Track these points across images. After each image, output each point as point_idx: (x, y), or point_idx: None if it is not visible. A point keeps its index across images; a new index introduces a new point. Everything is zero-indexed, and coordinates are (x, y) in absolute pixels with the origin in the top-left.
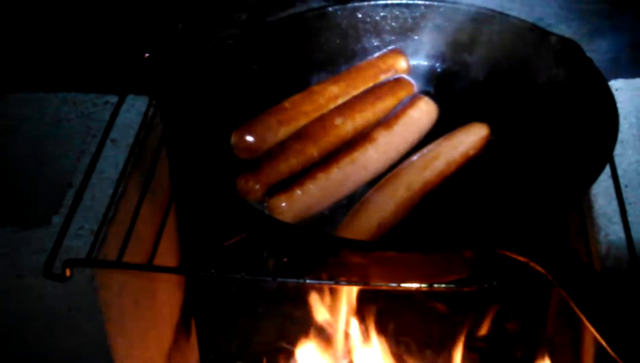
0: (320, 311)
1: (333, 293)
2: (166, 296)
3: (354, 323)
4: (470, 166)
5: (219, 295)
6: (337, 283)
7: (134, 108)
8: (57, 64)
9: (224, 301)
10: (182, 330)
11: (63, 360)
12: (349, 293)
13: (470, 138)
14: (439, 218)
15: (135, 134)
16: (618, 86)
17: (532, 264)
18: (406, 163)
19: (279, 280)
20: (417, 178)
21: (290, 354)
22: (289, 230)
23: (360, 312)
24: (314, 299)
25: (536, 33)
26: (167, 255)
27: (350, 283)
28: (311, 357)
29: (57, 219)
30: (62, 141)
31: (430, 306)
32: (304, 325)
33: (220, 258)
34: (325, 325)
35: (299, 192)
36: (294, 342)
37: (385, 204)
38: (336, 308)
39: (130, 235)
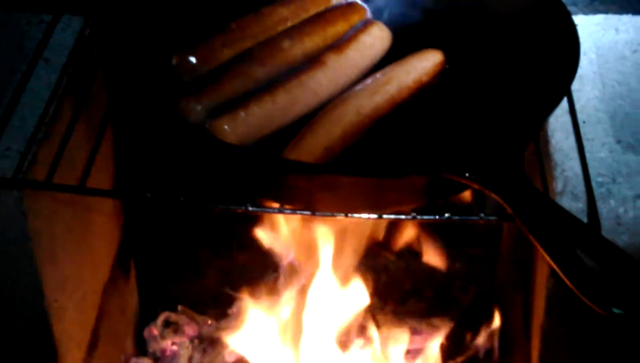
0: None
1: (280, 226)
2: (102, 229)
3: (300, 263)
4: (424, 94)
5: (161, 236)
6: (282, 211)
7: (70, 28)
8: None
9: (165, 243)
10: (120, 269)
11: None
12: (298, 228)
13: (423, 64)
14: (390, 145)
15: (70, 54)
16: (578, 22)
17: (486, 191)
18: (357, 87)
19: (220, 206)
20: (367, 102)
21: (233, 300)
22: (229, 150)
23: (309, 253)
24: (259, 234)
25: None
26: (103, 183)
27: (295, 211)
28: (255, 302)
29: None
30: None
31: (376, 252)
32: (249, 270)
33: (158, 184)
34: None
35: (242, 114)
36: (237, 287)
37: (333, 128)
38: (283, 243)
39: (61, 156)
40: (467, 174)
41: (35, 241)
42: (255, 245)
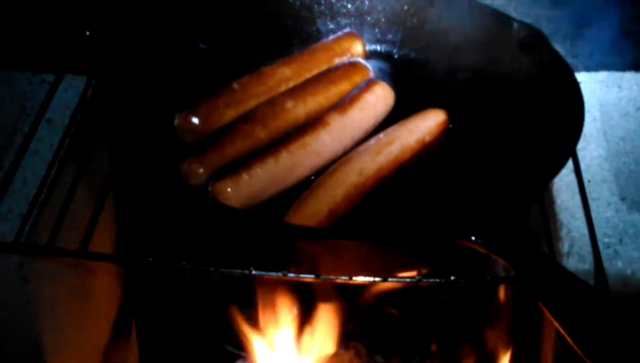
0: (267, 311)
1: (282, 290)
2: (103, 290)
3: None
4: (428, 155)
5: (162, 292)
6: (285, 275)
7: (72, 88)
8: None
9: (166, 300)
10: (120, 328)
11: None
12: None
13: (426, 123)
14: (394, 206)
15: (72, 115)
16: (581, 79)
17: (493, 255)
18: (360, 148)
19: (223, 270)
20: (370, 163)
21: (235, 357)
22: (232, 214)
23: (309, 314)
24: (261, 297)
25: (499, 19)
26: (104, 245)
27: (299, 275)
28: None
29: None
30: None
31: (381, 310)
32: (250, 327)
33: (161, 247)
34: (271, 326)
35: (245, 176)
36: (239, 344)
37: (336, 190)
38: (284, 307)
39: (63, 220)
40: (473, 238)
41: (36, 306)
42: (257, 302)
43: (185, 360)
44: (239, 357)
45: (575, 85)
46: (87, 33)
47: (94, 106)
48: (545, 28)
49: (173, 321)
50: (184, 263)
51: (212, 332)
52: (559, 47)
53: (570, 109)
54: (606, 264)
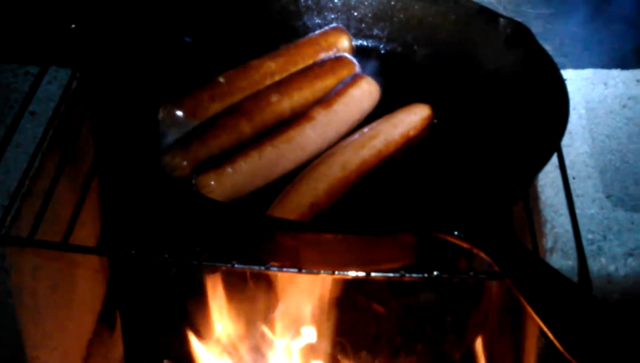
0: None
1: (266, 282)
2: (87, 283)
3: (288, 320)
4: (412, 149)
5: (146, 286)
6: (268, 268)
7: (56, 80)
8: None
9: (151, 293)
10: (105, 322)
11: None
12: (282, 286)
13: (410, 118)
14: (377, 200)
15: (56, 107)
16: (567, 76)
17: (475, 250)
18: (344, 142)
19: (205, 263)
20: (353, 156)
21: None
22: (215, 207)
23: (295, 309)
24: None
25: (485, 15)
26: (87, 238)
27: (281, 269)
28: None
29: None
30: None
31: (366, 306)
32: (236, 320)
33: (144, 240)
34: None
35: (229, 170)
36: (224, 338)
37: (319, 183)
38: (270, 300)
39: (45, 212)
40: (455, 233)
41: (17, 298)
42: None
43: (169, 352)
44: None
45: (561, 81)
46: (72, 26)
47: (78, 99)
48: (534, 26)
49: (158, 313)
50: (167, 256)
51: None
52: (547, 46)
53: (556, 105)
54: (590, 260)
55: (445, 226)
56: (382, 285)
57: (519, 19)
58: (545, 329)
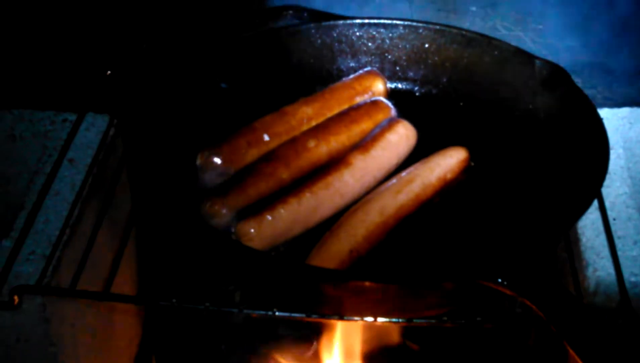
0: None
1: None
2: (124, 328)
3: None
4: (450, 193)
5: (182, 329)
6: (308, 316)
7: (94, 127)
8: (13, 79)
9: (186, 336)
10: None
11: None
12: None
13: (447, 161)
14: (417, 245)
15: (94, 155)
16: (604, 116)
17: (520, 298)
18: (381, 187)
19: (246, 311)
20: (391, 201)
21: None
22: (255, 257)
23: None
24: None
25: (520, 57)
26: (125, 283)
27: (322, 316)
28: None
29: (7, 243)
30: (16, 161)
31: (402, 344)
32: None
33: (182, 287)
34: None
35: (269, 217)
36: None
37: (357, 230)
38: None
39: (86, 261)
40: (499, 281)
41: (58, 347)
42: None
43: None
44: None
45: (599, 123)
46: (109, 72)
47: (115, 145)
48: (562, 59)
49: (193, 358)
50: (207, 304)
51: None
52: (575, 78)
53: (595, 148)
54: (634, 303)
55: (489, 275)
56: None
57: (546, 51)
58: None
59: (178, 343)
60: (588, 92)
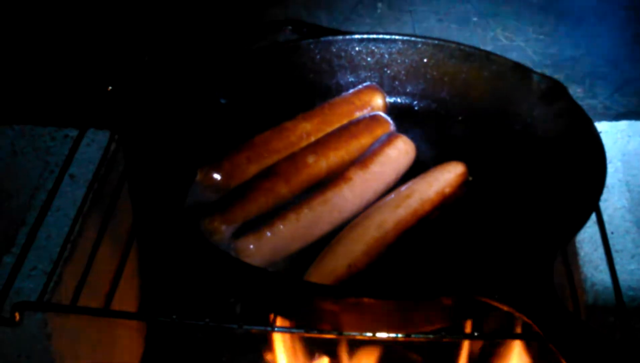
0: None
1: (304, 341)
2: (126, 342)
3: None
4: (448, 208)
5: (184, 342)
6: (308, 331)
7: (95, 143)
8: (14, 95)
9: (188, 349)
10: None
11: None
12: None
13: (445, 176)
14: (415, 260)
15: (95, 170)
16: (602, 129)
17: (517, 314)
18: (380, 202)
19: (246, 327)
20: (389, 216)
21: None
22: (254, 273)
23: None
24: (282, 348)
25: (518, 72)
26: (126, 300)
27: (321, 332)
28: None
29: (8, 259)
30: (17, 176)
31: (405, 356)
32: None
33: (183, 303)
34: None
35: (268, 234)
36: None
37: (355, 245)
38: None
39: (87, 277)
40: (497, 297)
41: (59, 361)
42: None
43: None
44: None
45: (596, 137)
46: (109, 88)
47: (116, 161)
48: (564, 68)
49: None
50: (207, 320)
51: None
52: (576, 88)
53: (592, 162)
54: (632, 317)
55: (487, 291)
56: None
57: (548, 62)
58: None
59: (180, 356)
60: (589, 102)
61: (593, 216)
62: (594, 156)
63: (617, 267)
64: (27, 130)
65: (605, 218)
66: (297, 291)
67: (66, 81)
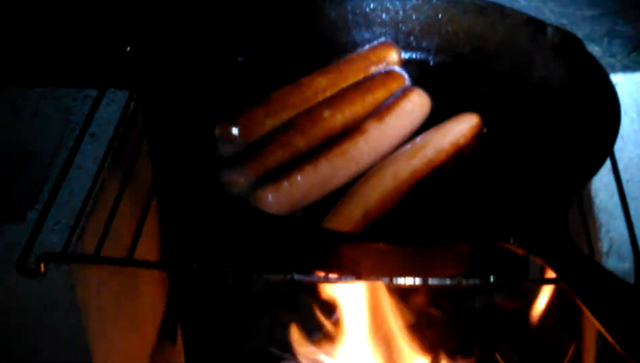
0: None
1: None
2: (148, 297)
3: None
4: (464, 159)
5: (206, 298)
6: (326, 279)
7: (115, 102)
8: (36, 58)
9: (211, 305)
10: (166, 333)
11: (40, 361)
12: (341, 293)
13: (459, 127)
14: (431, 209)
15: (115, 129)
16: (617, 80)
17: (532, 256)
18: (394, 153)
19: (265, 275)
20: (404, 166)
21: (279, 360)
22: (273, 221)
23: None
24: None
25: (532, 25)
26: (148, 252)
27: (339, 278)
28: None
29: (32, 215)
30: (40, 136)
31: (423, 310)
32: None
33: (203, 254)
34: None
35: (286, 184)
36: (283, 347)
37: (371, 194)
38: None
39: (109, 230)
40: (512, 240)
41: (84, 312)
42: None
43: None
44: (284, 359)
45: (611, 88)
46: (128, 49)
47: (136, 120)
48: (581, 28)
49: (218, 325)
50: (227, 268)
51: (256, 335)
52: (594, 47)
53: (607, 111)
54: None
55: (501, 234)
56: (439, 290)
57: (565, 21)
58: (604, 331)
59: (203, 312)
60: (608, 60)
61: (608, 165)
62: (609, 105)
63: (632, 213)
64: (48, 92)
65: (620, 167)
66: (315, 237)
67: (85, 43)
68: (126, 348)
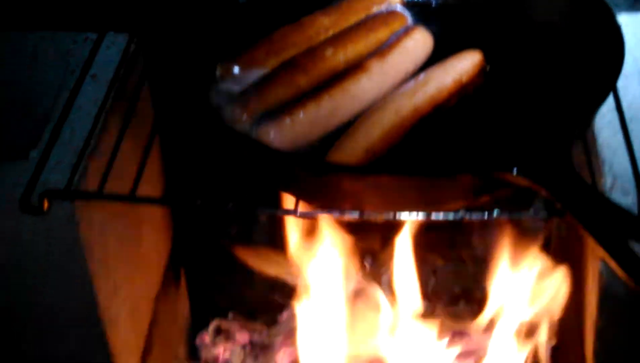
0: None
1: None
2: (152, 239)
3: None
4: (467, 96)
5: (210, 244)
6: (330, 213)
7: (114, 45)
8: (34, 2)
9: (215, 250)
10: (170, 277)
11: (44, 303)
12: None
13: (462, 63)
14: (434, 145)
15: (115, 70)
16: (623, 21)
17: (535, 187)
18: (397, 90)
19: (268, 211)
20: (406, 102)
21: (283, 306)
22: (275, 156)
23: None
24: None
25: None
26: (152, 193)
27: (342, 213)
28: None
29: (34, 154)
30: (40, 78)
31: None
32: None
33: (206, 192)
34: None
35: (288, 121)
36: (287, 294)
37: (373, 130)
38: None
39: (111, 168)
40: (515, 171)
41: (88, 251)
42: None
43: (234, 309)
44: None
45: (615, 24)
46: None
47: (136, 62)
48: None
49: (222, 270)
50: (230, 204)
51: (260, 282)
52: None
53: (610, 48)
54: None
55: (505, 165)
56: (441, 236)
57: None
58: (608, 259)
59: (207, 257)
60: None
61: (612, 104)
62: (612, 39)
63: (636, 149)
64: (48, 35)
65: (624, 105)
66: (318, 171)
67: None
68: (130, 291)
